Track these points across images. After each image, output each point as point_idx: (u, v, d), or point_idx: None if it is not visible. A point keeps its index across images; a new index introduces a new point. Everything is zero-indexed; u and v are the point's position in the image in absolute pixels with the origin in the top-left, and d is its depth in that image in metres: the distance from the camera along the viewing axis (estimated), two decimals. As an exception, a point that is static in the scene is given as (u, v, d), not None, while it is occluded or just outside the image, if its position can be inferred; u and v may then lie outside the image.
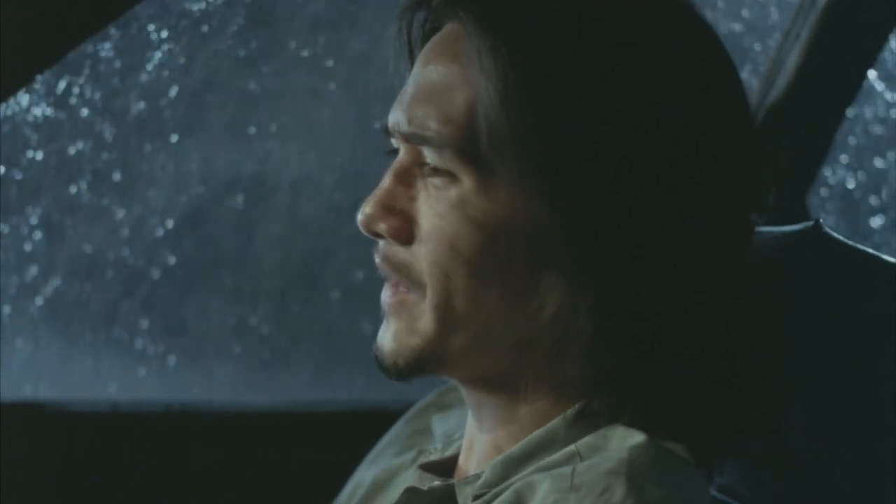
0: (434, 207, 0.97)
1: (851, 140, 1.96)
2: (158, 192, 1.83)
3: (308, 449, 1.72)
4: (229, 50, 1.76)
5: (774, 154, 1.02)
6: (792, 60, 1.69)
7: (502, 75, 0.93)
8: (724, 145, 0.97)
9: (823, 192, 1.98)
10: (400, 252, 0.98)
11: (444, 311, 0.97)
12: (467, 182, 0.96)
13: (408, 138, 0.99)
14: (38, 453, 1.64)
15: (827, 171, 1.95)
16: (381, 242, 0.99)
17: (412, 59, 1.01)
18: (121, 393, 1.87)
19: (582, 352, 0.96)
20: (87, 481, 1.65)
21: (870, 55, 1.72)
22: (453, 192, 0.96)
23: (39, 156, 1.73)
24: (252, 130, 1.85)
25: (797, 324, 1.07)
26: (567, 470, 0.93)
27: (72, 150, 1.76)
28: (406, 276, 0.98)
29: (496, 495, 0.95)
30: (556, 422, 0.98)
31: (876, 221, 2.03)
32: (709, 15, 1.00)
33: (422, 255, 0.97)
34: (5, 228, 1.77)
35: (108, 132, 1.76)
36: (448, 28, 0.99)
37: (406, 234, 0.98)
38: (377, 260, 1.00)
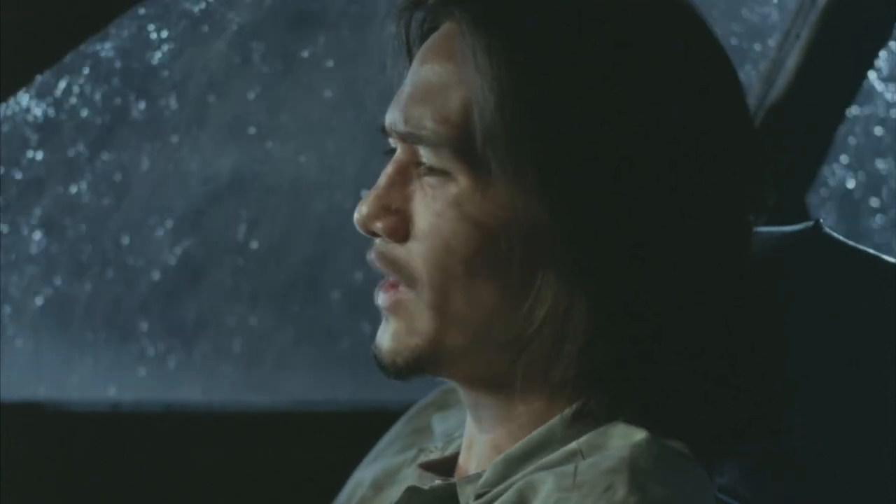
0: (430, 206, 0.97)
1: (851, 140, 1.96)
2: (158, 192, 1.83)
3: (308, 449, 1.72)
4: (229, 50, 1.76)
5: (774, 154, 1.02)
6: (792, 60, 1.69)
7: (497, 74, 0.94)
8: (723, 145, 0.97)
9: (823, 192, 1.98)
10: (396, 250, 0.98)
11: (441, 310, 0.97)
12: (463, 181, 0.96)
13: (404, 138, 0.99)
14: (38, 453, 1.64)
15: (827, 171, 1.95)
16: (378, 241, 1.00)
17: (410, 58, 1.02)
18: (121, 393, 1.87)
19: (580, 351, 0.96)
20: (87, 481, 1.65)
21: (870, 55, 1.72)
22: (449, 191, 0.96)
23: (39, 156, 1.73)
24: (252, 130, 1.85)
25: (797, 324, 1.07)
26: (569, 468, 0.93)
27: (72, 151, 1.76)
28: (401, 273, 0.98)
29: (498, 494, 0.95)
30: (555, 420, 0.98)
31: (876, 222, 2.03)
32: (709, 16, 1.00)
33: (417, 254, 0.97)
34: (5, 228, 1.77)
35: (108, 132, 1.76)
36: (445, 27, 0.99)
37: (402, 232, 0.98)
38: (371, 257, 1.00)
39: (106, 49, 1.68)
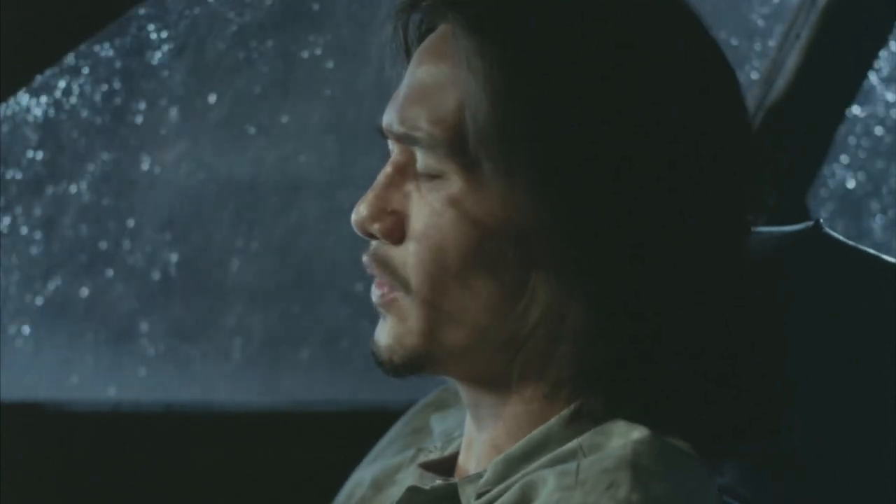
0: (425, 207, 0.97)
1: (851, 140, 1.96)
2: (158, 192, 1.83)
3: (308, 449, 1.72)
4: (229, 50, 1.76)
5: (774, 154, 1.02)
6: (792, 60, 1.69)
7: (489, 75, 0.94)
8: (723, 145, 0.97)
9: (823, 192, 1.98)
10: (391, 252, 0.99)
11: (436, 309, 0.97)
12: (457, 182, 0.96)
13: (400, 138, 0.99)
14: (38, 453, 1.64)
15: (827, 171, 1.95)
16: (374, 242, 1.00)
17: (409, 59, 1.02)
18: (121, 393, 1.87)
19: (575, 351, 0.96)
20: (87, 481, 1.65)
21: (870, 55, 1.72)
22: (444, 192, 0.96)
23: (39, 156, 1.73)
24: (252, 130, 1.85)
25: (797, 324, 1.07)
26: (571, 466, 0.93)
27: (72, 151, 1.76)
28: (393, 276, 0.98)
29: (499, 493, 0.95)
30: (554, 420, 0.98)
31: (876, 221, 2.03)
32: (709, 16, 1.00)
33: (413, 254, 0.97)
34: (5, 228, 1.77)
35: (108, 132, 1.76)
36: (441, 29, 0.99)
37: (398, 234, 0.98)
38: (365, 260, 1.00)
39: (106, 49, 1.68)
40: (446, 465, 1.07)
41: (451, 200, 0.96)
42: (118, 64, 1.70)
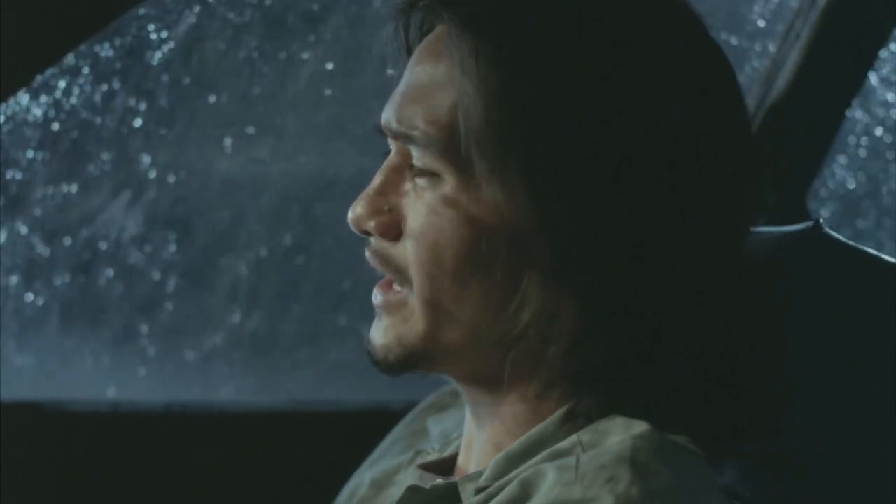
0: (421, 206, 0.98)
1: (851, 140, 1.96)
2: (159, 193, 1.83)
3: (308, 449, 1.72)
4: (229, 50, 1.76)
5: (774, 154, 1.02)
6: (792, 60, 1.69)
7: (484, 76, 0.94)
8: (723, 145, 0.97)
9: (823, 192, 1.98)
10: (390, 248, 0.99)
11: (432, 308, 0.98)
12: (451, 182, 0.97)
13: (397, 136, 1.00)
14: (38, 453, 1.64)
15: (827, 172, 1.95)
16: (372, 240, 1.00)
17: (409, 59, 1.02)
18: (121, 393, 1.87)
19: (571, 351, 0.96)
20: (87, 481, 1.65)
21: (870, 55, 1.72)
22: (438, 191, 0.97)
23: (39, 156, 1.73)
24: (252, 130, 1.85)
25: (797, 324, 1.07)
26: (571, 460, 0.93)
27: (71, 151, 1.76)
28: (395, 271, 0.99)
29: (500, 488, 0.95)
30: (553, 418, 0.98)
31: (876, 222, 2.02)
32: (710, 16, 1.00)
33: (409, 252, 0.98)
34: (5, 228, 1.77)
35: (108, 132, 1.76)
36: (439, 29, 1.00)
37: (394, 231, 0.99)
38: (368, 255, 1.00)
39: (106, 49, 1.67)
40: (445, 466, 1.07)
41: (446, 199, 0.97)
42: (118, 64, 1.70)
